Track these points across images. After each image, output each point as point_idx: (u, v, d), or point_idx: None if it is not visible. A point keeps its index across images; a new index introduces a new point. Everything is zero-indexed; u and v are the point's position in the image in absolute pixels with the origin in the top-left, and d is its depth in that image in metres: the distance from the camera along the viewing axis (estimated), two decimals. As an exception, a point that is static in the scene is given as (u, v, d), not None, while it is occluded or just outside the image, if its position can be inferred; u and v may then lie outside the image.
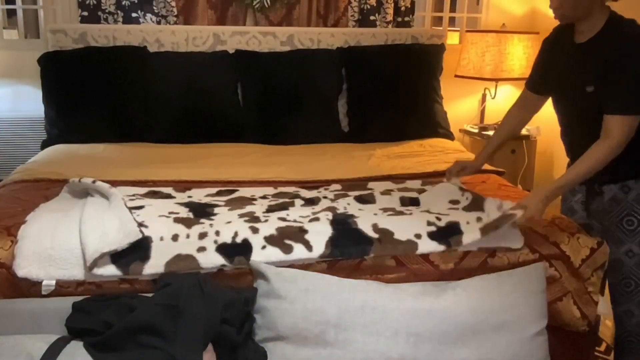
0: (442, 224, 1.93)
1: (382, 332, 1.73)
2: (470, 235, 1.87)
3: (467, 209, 2.05)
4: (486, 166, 2.72)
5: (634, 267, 2.05)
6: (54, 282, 1.76)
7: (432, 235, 1.89)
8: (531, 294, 1.84)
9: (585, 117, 2.04)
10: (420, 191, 2.31)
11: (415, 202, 2.19)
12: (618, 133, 1.89)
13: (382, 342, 1.72)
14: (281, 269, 1.79)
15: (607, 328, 2.95)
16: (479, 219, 1.94)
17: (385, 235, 1.88)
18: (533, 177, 3.55)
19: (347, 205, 2.11)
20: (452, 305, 1.76)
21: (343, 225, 1.90)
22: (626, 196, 2.04)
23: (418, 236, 1.88)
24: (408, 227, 1.91)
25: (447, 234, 1.89)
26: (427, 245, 1.87)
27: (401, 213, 2.02)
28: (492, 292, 1.80)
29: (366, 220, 1.93)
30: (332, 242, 1.85)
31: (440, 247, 1.87)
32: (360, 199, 2.17)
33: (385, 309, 1.74)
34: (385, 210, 2.06)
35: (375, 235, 1.87)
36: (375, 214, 2.01)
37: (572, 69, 2.05)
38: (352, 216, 1.96)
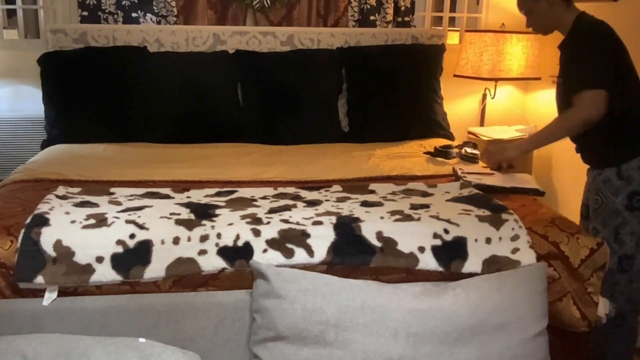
0: (449, 237, 1.90)
1: (382, 332, 1.73)
2: (473, 264, 1.87)
3: (482, 219, 1.99)
4: (487, 168, 2.73)
5: None
6: (55, 294, 1.76)
7: (435, 251, 1.88)
8: (532, 294, 1.84)
9: (560, 107, 2.41)
10: (425, 195, 2.27)
11: (425, 205, 2.14)
12: (578, 103, 2.22)
13: (382, 342, 1.72)
14: (281, 269, 1.79)
15: (606, 328, 2.95)
16: (488, 240, 1.92)
17: (389, 245, 1.87)
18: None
19: (353, 208, 2.06)
20: (452, 306, 1.76)
21: (346, 231, 1.88)
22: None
23: (421, 249, 1.87)
24: (413, 238, 1.89)
25: (450, 253, 1.88)
26: (428, 263, 1.87)
27: (409, 217, 1.98)
28: (492, 293, 1.80)
29: (371, 225, 1.91)
30: (333, 249, 1.85)
31: (440, 268, 1.87)
32: (367, 204, 2.12)
33: (385, 309, 1.74)
34: (392, 213, 2.02)
35: (378, 245, 1.87)
36: (382, 217, 1.98)
37: (559, 67, 2.43)
38: (357, 219, 1.93)
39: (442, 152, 2.87)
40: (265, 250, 1.83)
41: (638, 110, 2.27)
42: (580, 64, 2.26)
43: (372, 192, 2.31)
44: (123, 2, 3.34)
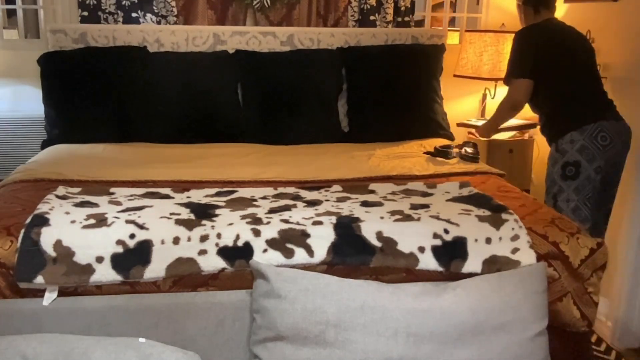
0: (449, 237, 1.90)
1: (382, 332, 1.73)
2: (473, 264, 1.88)
3: (482, 219, 1.99)
4: (487, 168, 2.73)
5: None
6: (55, 294, 1.76)
7: (435, 251, 1.88)
8: (532, 294, 1.84)
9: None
10: (425, 195, 2.28)
11: (425, 205, 2.14)
12: (509, 90, 2.90)
13: (382, 342, 1.72)
14: (281, 269, 1.79)
15: (607, 328, 2.96)
16: (488, 240, 1.92)
17: (389, 245, 1.87)
18: (530, 177, 3.55)
19: (353, 208, 2.06)
20: (452, 305, 1.76)
21: (346, 231, 1.88)
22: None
23: (421, 249, 1.87)
24: (413, 238, 1.89)
25: (450, 253, 1.88)
26: (428, 263, 1.87)
27: (409, 217, 1.98)
28: (492, 292, 1.80)
29: (371, 225, 1.91)
30: (333, 248, 1.85)
31: (440, 268, 1.87)
32: (367, 204, 2.12)
33: (385, 309, 1.74)
34: (392, 213, 2.02)
35: (378, 245, 1.87)
36: (382, 217, 1.98)
37: None
38: (357, 219, 1.93)
39: (442, 152, 2.87)
40: (265, 250, 1.83)
41: (563, 96, 2.74)
42: (510, 58, 2.87)
43: (372, 192, 2.31)
44: (123, 2, 3.33)
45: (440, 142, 3.14)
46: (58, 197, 2.07)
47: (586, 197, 2.63)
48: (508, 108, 2.93)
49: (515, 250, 1.92)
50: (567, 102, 2.73)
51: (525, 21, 2.90)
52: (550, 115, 2.79)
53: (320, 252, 1.84)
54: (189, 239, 1.83)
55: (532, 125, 3.39)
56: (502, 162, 3.27)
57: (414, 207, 2.10)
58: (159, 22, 3.38)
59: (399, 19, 3.63)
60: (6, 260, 1.75)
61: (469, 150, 2.84)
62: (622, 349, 2.87)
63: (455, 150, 2.88)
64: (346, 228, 1.89)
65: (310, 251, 1.84)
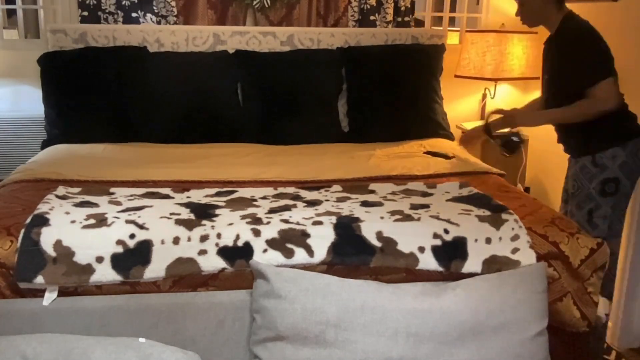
0: (449, 237, 1.90)
1: (382, 332, 1.73)
2: (473, 264, 1.88)
3: (482, 219, 1.99)
4: (487, 168, 2.73)
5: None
6: (55, 294, 1.76)
7: (435, 251, 1.88)
8: (532, 294, 1.84)
9: (548, 102, 2.59)
10: (425, 195, 2.28)
11: (425, 205, 2.14)
12: (594, 95, 2.35)
13: (382, 342, 1.72)
14: (281, 269, 1.79)
15: (607, 328, 2.96)
16: (488, 240, 1.92)
17: (389, 245, 1.87)
18: (525, 177, 3.55)
19: (353, 208, 2.06)
20: (452, 306, 1.76)
21: (346, 231, 1.88)
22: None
23: (421, 249, 1.87)
24: (413, 238, 1.89)
25: (450, 253, 1.88)
26: (428, 263, 1.87)
27: (409, 217, 1.98)
28: (492, 292, 1.80)
29: (371, 225, 1.91)
30: (333, 249, 1.85)
31: (440, 268, 1.87)
32: (367, 204, 2.12)
33: (385, 309, 1.74)
34: (392, 213, 2.02)
35: (378, 245, 1.87)
36: (382, 217, 1.98)
37: (544, 61, 2.64)
38: (357, 219, 1.93)
39: (442, 153, 2.87)
40: (265, 250, 1.83)
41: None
42: (585, 59, 2.42)
43: (372, 192, 2.31)
44: (123, 2, 3.33)
45: (440, 142, 3.14)
46: (58, 197, 2.07)
47: (621, 212, 2.50)
48: (597, 113, 2.38)
49: (515, 250, 1.92)
50: (614, 114, 2.39)
51: (543, 15, 2.51)
52: (589, 127, 2.43)
53: (320, 252, 1.84)
54: (189, 239, 1.83)
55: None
56: (502, 162, 3.26)
57: (414, 207, 2.10)
58: (159, 22, 3.38)
59: (399, 19, 3.63)
60: (6, 260, 1.75)
61: (514, 138, 2.83)
62: (622, 349, 2.87)
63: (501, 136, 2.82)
64: (346, 228, 1.89)
65: (310, 251, 1.84)
